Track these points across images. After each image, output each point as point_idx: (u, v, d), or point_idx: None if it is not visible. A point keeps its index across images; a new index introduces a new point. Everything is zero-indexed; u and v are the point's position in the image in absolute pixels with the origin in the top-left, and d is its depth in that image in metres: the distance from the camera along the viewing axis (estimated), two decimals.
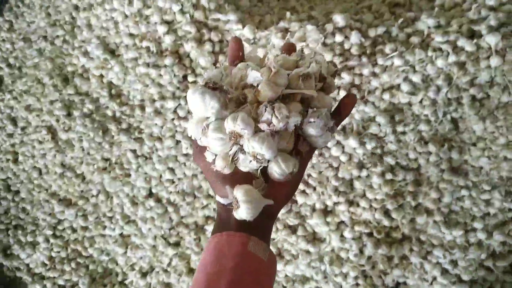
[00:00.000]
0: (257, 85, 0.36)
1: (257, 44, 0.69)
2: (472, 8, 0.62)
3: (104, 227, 0.79)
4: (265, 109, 0.35)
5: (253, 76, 0.37)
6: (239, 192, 0.36)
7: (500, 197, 0.65)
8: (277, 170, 0.36)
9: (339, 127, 0.67)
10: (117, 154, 0.77)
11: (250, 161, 0.36)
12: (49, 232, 0.80)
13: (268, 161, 0.36)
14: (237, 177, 0.38)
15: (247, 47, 0.66)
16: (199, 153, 0.40)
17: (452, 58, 0.60)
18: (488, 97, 0.61)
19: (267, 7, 0.76)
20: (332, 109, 0.40)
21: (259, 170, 0.38)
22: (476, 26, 0.60)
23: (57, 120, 0.80)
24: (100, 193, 0.79)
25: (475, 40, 0.59)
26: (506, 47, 0.58)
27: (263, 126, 0.35)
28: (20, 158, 0.84)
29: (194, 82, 0.72)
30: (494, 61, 0.59)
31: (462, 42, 0.60)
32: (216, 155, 0.38)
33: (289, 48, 0.44)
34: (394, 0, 0.70)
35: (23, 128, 0.84)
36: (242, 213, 0.36)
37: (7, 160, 0.85)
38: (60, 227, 0.81)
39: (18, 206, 0.84)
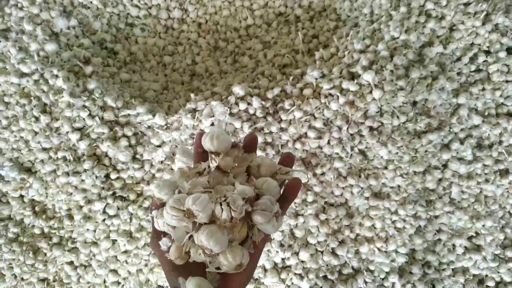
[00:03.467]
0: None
1: (170, 128, 0.72)
2: (345, 55, 0.72)
3: None
4: (221, 208, 0.35)
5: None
6: (190, 286, 0.35)
7: (423, 208, 0.71)
8: (224, 263, 0.36)
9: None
10: (53, 271, 0.73)
11: (200, 253, 0.36)
12: None
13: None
14: (191, 267, 0.38)
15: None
16: (156, 240, 0.40)
17: (342, 100, 0.68)
18: (382, 124, 0.69)
19: (173, 92, 0.81)
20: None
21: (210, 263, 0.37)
22: (353, 69, 0.69)
23: None
24: None
25: (356, 80, 0.68)
26: (381, 80, 0.67)
27: (223, 221, 0.35)
28: None
29: (117, 178, 0.72)
30: (376, 93, 0.67)
31: (346, 85, 0.68)
32: (171, 244, 0.38)
33: (251, 141, 0.46)
34: (282, 62, 0.79)
35: None
36: None
37: None
38: None
39: None
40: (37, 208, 0.74)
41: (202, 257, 0.37)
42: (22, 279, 0.74)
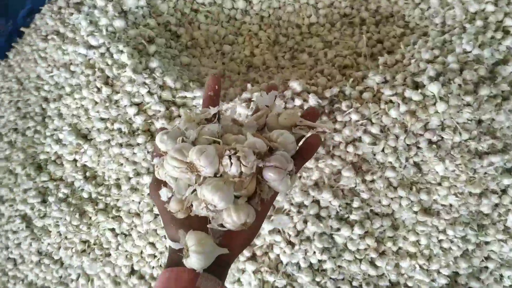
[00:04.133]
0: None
1: (223, 115, 0.73)
2: (411, 63, 0.70)
3: None
4: (231, 162, 0.33)
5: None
6: (190, 241, 0.34)
7: (474, 232, 0.67)
8: (228, 221, 0.34)
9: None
10: (95, 235, 0.76)
11: (202, 208, 0.34)
12: None
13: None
14: (192, 220, 0.36)
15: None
16: (155, 189, 0.38)
17: (403, 108, 0.66)
18: (442, 139, 0.66)
19: (230, 81, 0.82)
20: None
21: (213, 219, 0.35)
22: (418, 78, 0.67)
23: (32, 208, 0.79)
24: (80, 276, 0.76)
25: (420, 90, 0.65)
26: (447, 93, 0.64)
27: (231, 176, 0.33)
28: None
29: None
30: (441, 106, 0.64)
31: (409, 93, 0.66)
32: (172, 195, 0.36)
33: (270, 88, 0.46)
34: (343, 63, 0.78)
35: None
36: (192, 263, 0.34)
37: None
38: None
39: None
40: (88, 174, 0.77)
41: (204, 211, 0.34)
42: (66, 238, 0.77)
